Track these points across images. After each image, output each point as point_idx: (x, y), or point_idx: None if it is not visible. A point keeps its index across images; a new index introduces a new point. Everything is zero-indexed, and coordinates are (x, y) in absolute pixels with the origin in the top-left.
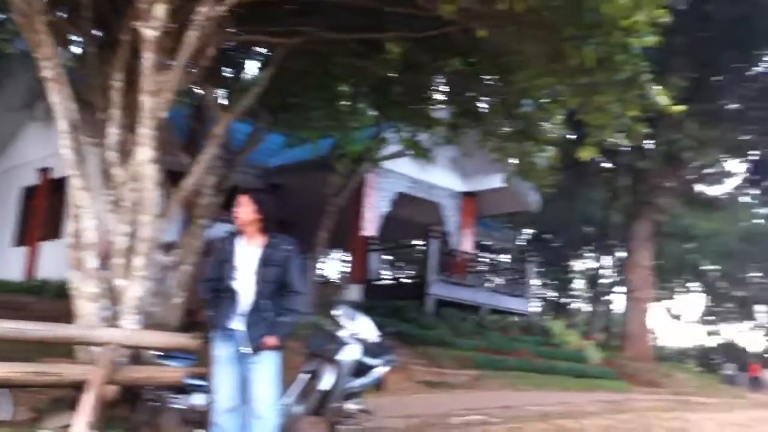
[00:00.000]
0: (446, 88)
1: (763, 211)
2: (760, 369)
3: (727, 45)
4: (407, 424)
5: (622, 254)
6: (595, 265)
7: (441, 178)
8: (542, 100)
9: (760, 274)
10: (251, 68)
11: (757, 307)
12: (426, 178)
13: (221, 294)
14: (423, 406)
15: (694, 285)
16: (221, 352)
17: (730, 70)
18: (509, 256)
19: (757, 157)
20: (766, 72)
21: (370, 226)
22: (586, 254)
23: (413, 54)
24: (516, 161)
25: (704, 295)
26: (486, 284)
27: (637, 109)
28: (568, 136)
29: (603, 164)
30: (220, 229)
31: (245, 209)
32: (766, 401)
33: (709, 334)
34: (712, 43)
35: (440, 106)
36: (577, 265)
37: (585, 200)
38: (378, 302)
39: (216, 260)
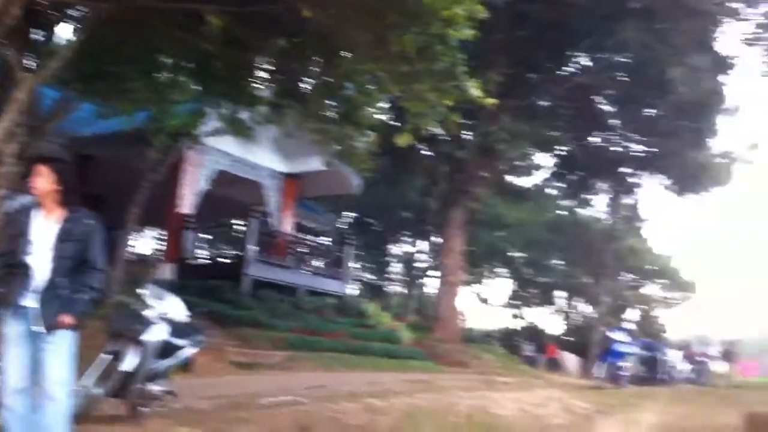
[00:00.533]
0: (270, 67)
1: (567, 203)
2: (556, 350)
3: (541, 45)
4: (215, 405)
5: (438, 240)
6: (412, 249)
7: (263, 157)
8: (364, 85)
9: (561, 262)
10: (65, 32)
11: (558, 293)
12: (248, 157)
13: (14, 270)
14: (233, 387)
15: (502, 271)
16: (12, 330)
17: (544, 69)
18: (329, 239)
19: (563, 153)
20: (576, 73)
21: (186, 204)
22: (404, 239)
23: (235, 29)
24: (337, 144)
25: (511, 280)
26: (305, 266)
27: (452, 99)
28: (389, 122)
29: (423, 152)
30: (20, 201)
31: (43, 179)
32: (561, 381)
33: (514, 317)
34: (528, 42)
35: (263, 84)
36: (395, 249)
37: (405, 186)
38: (192, 282)
39: (9, 233)
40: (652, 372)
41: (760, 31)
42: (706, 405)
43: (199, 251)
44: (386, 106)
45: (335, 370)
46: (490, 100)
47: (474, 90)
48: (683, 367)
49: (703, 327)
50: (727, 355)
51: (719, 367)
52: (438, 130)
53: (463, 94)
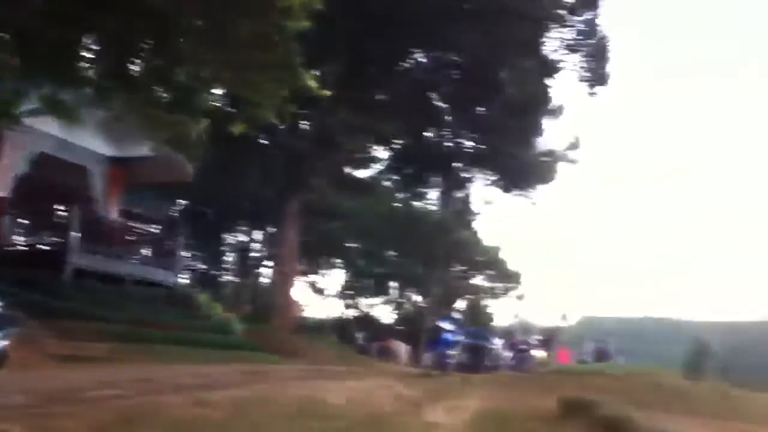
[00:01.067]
0: (97, 47)
1: (402, 195)
2: (388, 340)
3: (379, 40)
4: (32, 399)
5: (274, 230)
6: (247, 239)
7: (90, 141)
8: (198, 72)
9: (395, 253)
10: None
11: (391, 283)
12: (73, 140)
13: None
14: (52, 380)
15: (338, 261)
16: None
17: (382, 63)
18: (160, 228)
19: (399, 146)
20: (413, 69)
21: (2, 187)
22: (239, 228)
23: (59, 4)
24: (167, 131)
25: (345, 270)
26: (134, 255)
27: (287, 89)
28: (224, 109)
29: (260, 141)
30: None
31: None
32: (392, 369)
33: (348, 307)
34: (366, 37)
35: (89, 64)
36: (231, 238)
37: (241, 175)
38: (8, 270)
39: None
40: (478, 360)
41: (581, 38)
42: (526, 390)
43: (17, 238)
44: (221, 92)
45: (164, 362)
46: (326, 92)
47: (310, 81)
48: (507, 354)
49: (526, 316)
50: (547, 343)
51: (540, 354)
52: (273, 120)
53: (298, 85)
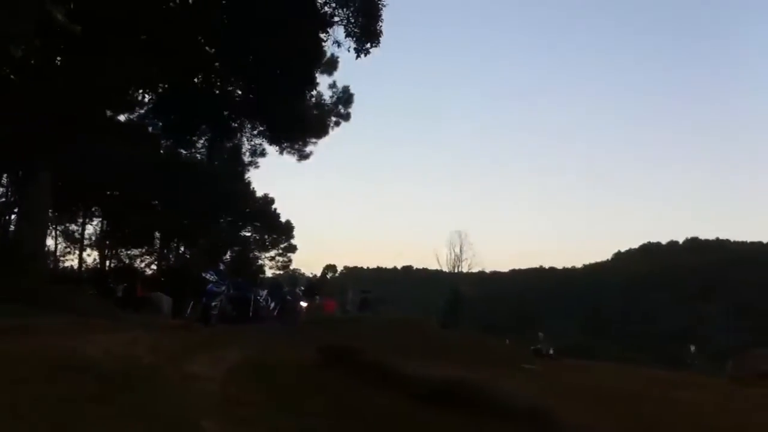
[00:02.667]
0: None
1: (168, 142)
2: (150, 291)
3: None
4: None
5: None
6: None
7: None
8: None
9: (159, 202)
10: None
11: (156, 233)
12: None
13: None
14: None
15: (96, 209)
16: None
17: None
18: None
19: (165, 90)
20: (179, 7)
21: None
22: None
23: None
24: None
25: (104, 219)
26: None
27: (33, 22)
28: None
29: (12, 78)
30: None
31: None
32: (153, 322)
33: (107, 257)
34: None
35: None
36: None
37: None
38: None
39: None
40: (243, 311)
41: None
42: (290, 341)
43: None
44: None
45: None
46: (77, 27)
47: (58, 14)
48: (273, 306)
49: (295, 267)
50: (313, 294)
51: (306, 304)
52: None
53: (44, 17)
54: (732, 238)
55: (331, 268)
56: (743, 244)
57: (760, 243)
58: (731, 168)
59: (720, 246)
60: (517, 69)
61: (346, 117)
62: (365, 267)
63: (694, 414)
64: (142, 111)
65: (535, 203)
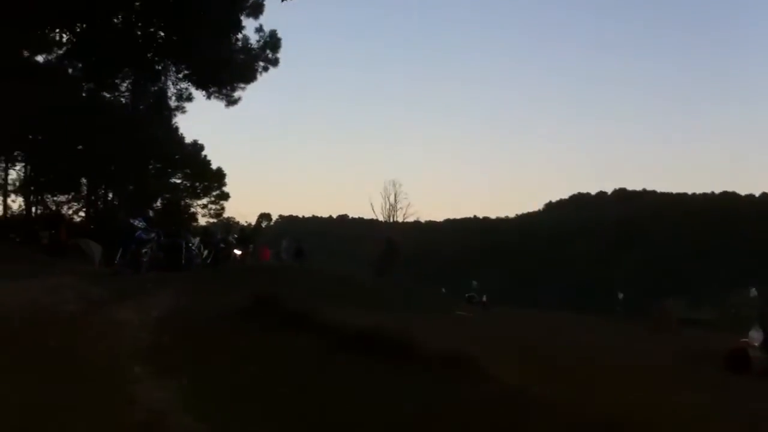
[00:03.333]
0: None
1: (89, 85)
2: (78, 238)
3: None
4: None
5: None
6: None
7: None
8: None
9: (82, 146)
10: None
11: (83, 180)
12: None
13: None
14: None
15: (18, 154)
16: None
17: None
18: None
19: (84, 31)
20: None
21: None
22: None
23: None
24: None
25: (27, 164)
26: None
27: None
28: None
29: None
30: None
31: None
32: (80, 269)
33: (32, 204)
34: None
35: None
36: None
37: None
38: None
39: None
40: (174, 259)
41: None
42: (221, 288)
43: None
44: None
45: None
46: None
47: None
48: (206, 253)
49: (227, 215)
50: (247, 242)
51: (239, 252)
52: None
53: None
54: (659, 189)
55: (265, 216)
56: (669, 195)
57: (685, 194)
58: (663, 120)
59: (646, 197)
60: (450, 20)
61: (275, 62)
62: (301, 216)
63: (603, 357)
64: (61, 52)
65: (469, 154)
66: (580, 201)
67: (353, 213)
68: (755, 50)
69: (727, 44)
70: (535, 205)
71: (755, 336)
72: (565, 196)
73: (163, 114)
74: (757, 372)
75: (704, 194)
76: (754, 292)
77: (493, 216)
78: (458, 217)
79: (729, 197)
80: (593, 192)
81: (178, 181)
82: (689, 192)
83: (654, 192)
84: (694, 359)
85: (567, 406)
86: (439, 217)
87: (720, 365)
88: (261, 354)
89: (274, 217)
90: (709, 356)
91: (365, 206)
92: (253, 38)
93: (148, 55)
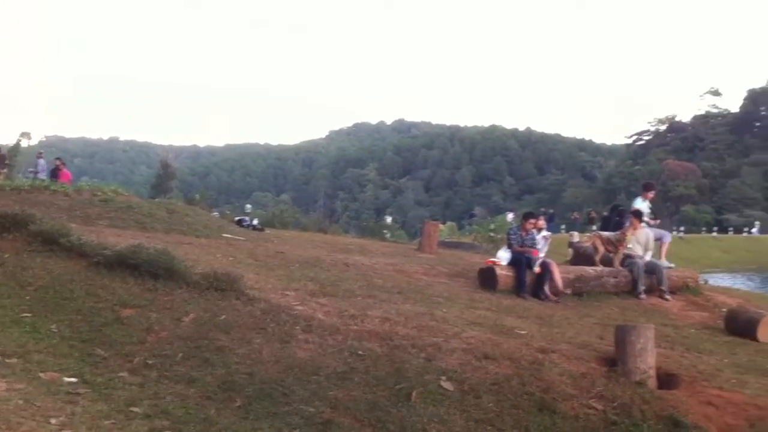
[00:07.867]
0: None
1: None
2: None
3: None
4: None
5: None
6: None
7: None
8: None
9: None
10: None
11: None
12: None
13: None
14: None
15: None
16: None
17: None
18: None
19: None
20: None
21: None
22: None
23: None
24: None
25: None
26: None
27: None
28: None
29: None
30: None
31: None
32: None
33: None
34: None
35: None
36: None
37: None
38: None
39: None
40: None
41: None
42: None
43: None
44: None
45: None
46: None
47: None
48: None
49: None
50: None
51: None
52: None
53: None
54: (434, 121)
55: (26, 135)
56: (442, 126)
57: (456, 126)
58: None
59: (422, 127)
60: None
61: None
62: (68, 137)
63: (368, 275)
64: None
65: (256, 76)
66: (361, 129)
67: (127, 135)
68: None
69: None
70: (318, 133)
71: (503, 256)
72: (348, 124)
73: None
74: (502, 287)
75: (475, 126)
76: (510, 216)
77: (274, 143)
78: (240, 142)
79: (498, 130)
80: (373, 122)
81: None
82: (462, 124)
83: (429, 123)
84: (450, 276)
85: (325, 321)
86: (220, 141)
87: (475, 282)
88: (10, 276)
89: (39, 137)
90: (463, 274)
91: (139, 129)
92: None
93: None
